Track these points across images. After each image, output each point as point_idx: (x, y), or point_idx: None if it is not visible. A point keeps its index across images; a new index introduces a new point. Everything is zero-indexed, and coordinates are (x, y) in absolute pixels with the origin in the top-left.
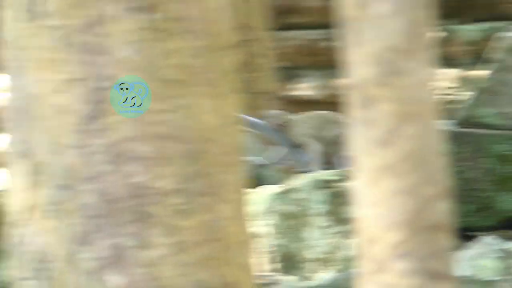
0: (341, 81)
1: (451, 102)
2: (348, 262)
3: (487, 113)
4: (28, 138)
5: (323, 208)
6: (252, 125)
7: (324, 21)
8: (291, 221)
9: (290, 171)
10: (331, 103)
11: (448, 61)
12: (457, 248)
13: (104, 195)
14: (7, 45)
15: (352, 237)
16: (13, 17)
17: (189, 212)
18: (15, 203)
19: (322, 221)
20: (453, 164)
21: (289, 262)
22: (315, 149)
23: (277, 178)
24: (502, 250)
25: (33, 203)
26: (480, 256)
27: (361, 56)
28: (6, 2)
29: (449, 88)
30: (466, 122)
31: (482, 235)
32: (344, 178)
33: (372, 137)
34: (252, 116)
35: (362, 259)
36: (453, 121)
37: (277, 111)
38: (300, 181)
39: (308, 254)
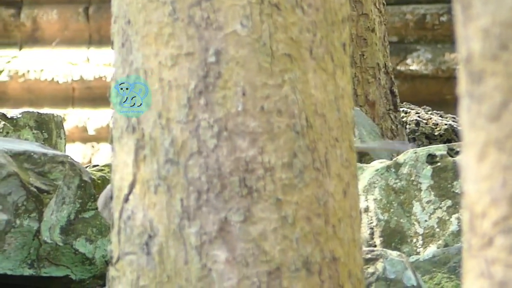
0: (451, 56)
1: None
2: (454, 237)
3: None
4: None
5: (428, 182)
6: None
7: None
8: (396, 196)
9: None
10: (439, 78)
11: None
12: None
13: (210, 169)
14: (114, 20)
15: (458, 212)
16: None
17: (296, 187)
18: (120, 178)
19: (427, 195)
20: None
21: (394, 237)
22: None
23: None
24: None
25: (139, 178)
26: None
27: (471, 30)
28: None
29: None
30: None
31: None
32: (449, 152)
33: (480, 112)
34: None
35: (468, 234)
36: None
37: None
38: (405, 155)
39: (413, 229)
